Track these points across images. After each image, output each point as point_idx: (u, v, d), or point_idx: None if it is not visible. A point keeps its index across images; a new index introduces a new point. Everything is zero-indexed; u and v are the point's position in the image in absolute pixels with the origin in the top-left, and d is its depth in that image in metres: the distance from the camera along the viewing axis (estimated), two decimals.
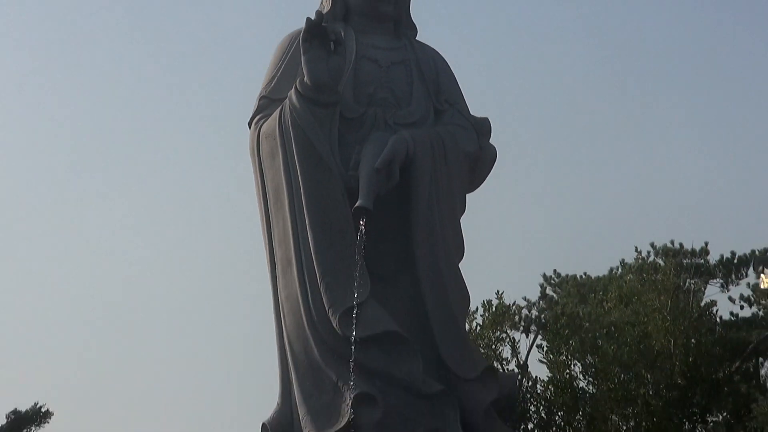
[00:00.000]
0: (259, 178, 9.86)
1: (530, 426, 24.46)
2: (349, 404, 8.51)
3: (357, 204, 8.45)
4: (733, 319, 28.28)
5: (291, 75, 9.37)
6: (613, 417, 23.67)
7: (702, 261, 27.71)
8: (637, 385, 23.12)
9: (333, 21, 9.61)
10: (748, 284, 28.24)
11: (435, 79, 10.12)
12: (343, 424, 8.50)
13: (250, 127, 9.96)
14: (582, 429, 23.88)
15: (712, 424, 25.37)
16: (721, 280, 28.50)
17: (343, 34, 9.42)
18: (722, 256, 28.26)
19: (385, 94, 9.68)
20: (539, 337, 25.73)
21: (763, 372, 26.11)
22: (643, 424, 23.31)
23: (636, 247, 28.60)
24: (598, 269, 30.92)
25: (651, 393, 23.81)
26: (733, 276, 28.26)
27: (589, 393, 23.85)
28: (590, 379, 23.72)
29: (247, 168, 10.53)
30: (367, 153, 8.81)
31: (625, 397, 22.74)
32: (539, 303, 28.40)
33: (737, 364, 25.13)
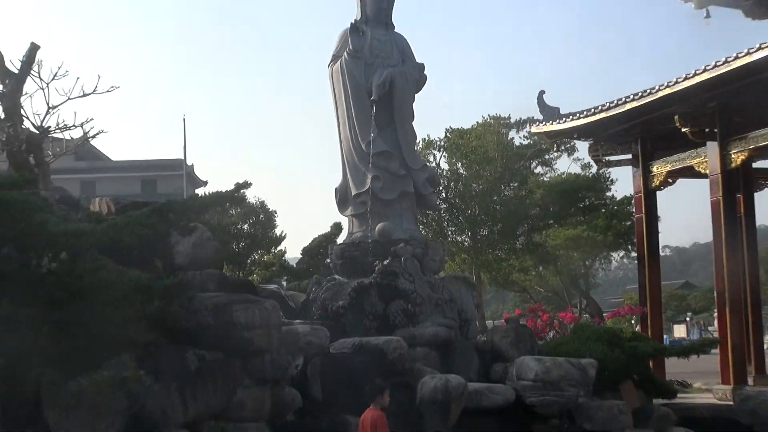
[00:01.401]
0: (333, 89, 16.90)
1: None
2: (369, 179, 15.86)
3: (372, 98, 16.03)
4: None
5: (345, 45, 16.57)
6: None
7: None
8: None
9: (361, 23, 16.81)
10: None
11: (401, 48, 16.95)
12: (366, 187, 15.93)
13: (329, 66, 17.00)
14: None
15: None
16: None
17: (365, 27, 16.63)
18: None
19: (382, 54, 16.69)
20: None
21: None
22: None
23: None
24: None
25: None
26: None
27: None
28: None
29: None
30: (376, 77, 16.03)
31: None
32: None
33: None
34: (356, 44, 16.63)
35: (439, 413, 12.13)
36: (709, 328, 55.38)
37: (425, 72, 17.32)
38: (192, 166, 51.00)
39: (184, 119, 69.20)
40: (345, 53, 16.73)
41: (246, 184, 12.40)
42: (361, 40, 16.75)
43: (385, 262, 15.37)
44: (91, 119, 18.43)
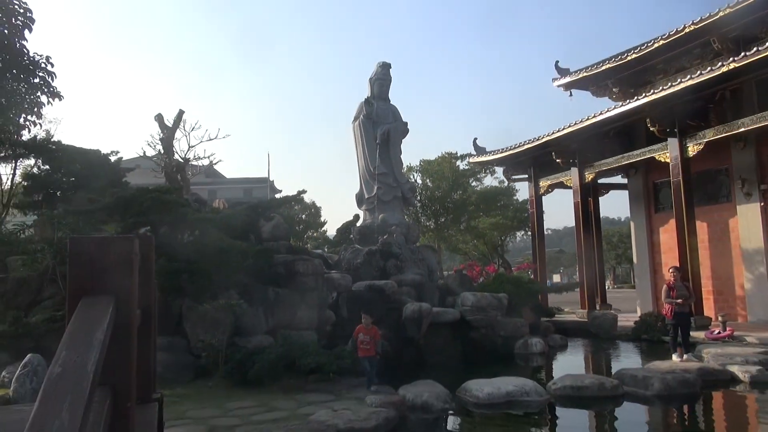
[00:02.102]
0: (354, 136, 16.63)
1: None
2: (375, 188, 15.65)
3: (377, 142, 16.03)
4: None
5: (361, 111, 16.31)
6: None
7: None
8: None
9: (371, 98, 16.44)
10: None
11: (394, 113, 16.58)
12: (373, 193, 15.75)
13: (352, 123, 16.74)
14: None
15: None
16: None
17: (373, 101, 16.32)
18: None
19: (383, 116, 16.37)
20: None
21: None
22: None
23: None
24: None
25: None
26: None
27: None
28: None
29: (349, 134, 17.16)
30: (380, 130, 15.96)
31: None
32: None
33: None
34: (369, 111, 16.52)
35: (416, 325, 12.01)
36: (573, 277, 55.04)
37: (408, 127, 17.06)
38: (273, 181, 50.90)
39: (268, 154, 69.27)
40: (362, 116, 16.64)
41: (303, 191, 12.36)
42: (371, 108, 16.60)
43: (384, 237, 15.26)
44: (214, 154, 18.34)
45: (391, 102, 17.25)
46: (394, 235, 15.40)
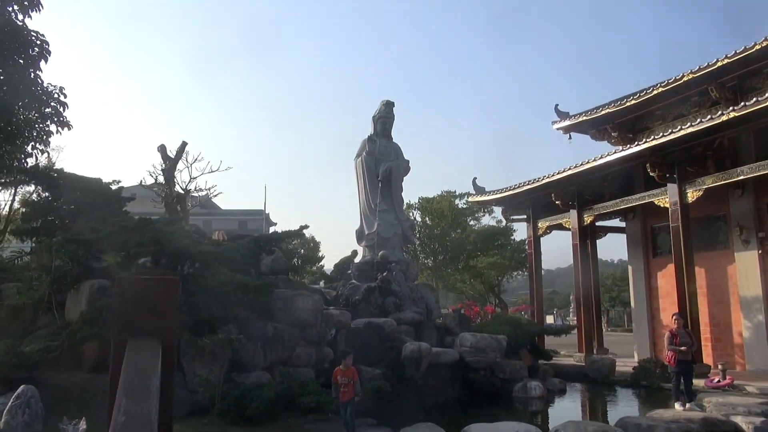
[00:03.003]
0: (357, 172, 16.68)
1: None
2: (376, 225, 15.91)
3: (379, 179, 16.25)
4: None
5: (364, 148, 16.53)
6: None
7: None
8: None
9: (374, 136, 16.66)
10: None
11: (396, 150, 16.70)
12: (374, 230, 15.62)
13: (355, 160, 16.83)
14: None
15: None
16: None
17: (376, 138, 16.55)
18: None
19: (386, 154, 16.48)
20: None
21: None
22: None
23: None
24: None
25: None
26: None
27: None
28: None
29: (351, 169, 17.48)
30: (382, 167, 16.01)
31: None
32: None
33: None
34: (371, 148, 16.69)
35: (415, 365, 11.86)
36: (567, 318, 54.66)
37: (410, 165, 17.20)
38: (268, 213, 50.72)
39: (265, 187, 69.39)
40: (364, 153, 16.80)
41: (305, 226, 12.29)
42: (374, 146, 16.78)
43: (384, 274, 15.22)
44: (215, 185, 18.40)
45: (393, 140, 17.40)
46: (394, 272, 15.34)
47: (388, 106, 17.29)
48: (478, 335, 13.31)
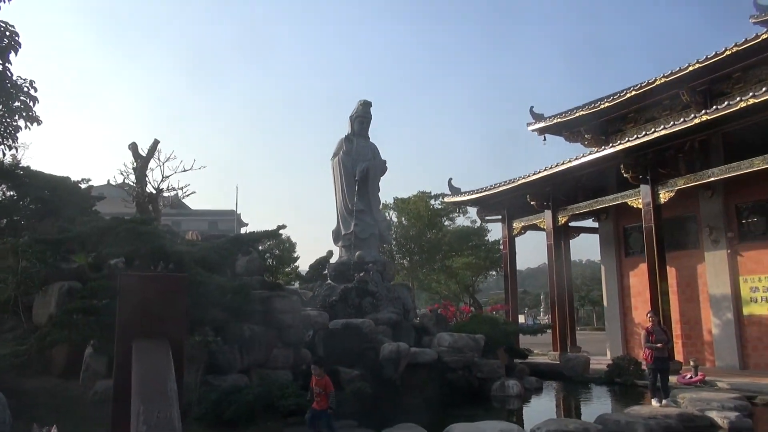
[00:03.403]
0: (333, 172, 16.29)
1: None
2: (353, 225, 15.98)
3: (356, 179, 15.93)
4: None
5: (341, 148, 16.21)
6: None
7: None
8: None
9: (351, 135, 16.36)
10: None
11: (373, 150, 16.46)
12: (351, 230, 15.50)
13: (331, 160, 16.43)
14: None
15: None
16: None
17: (353, 138, 16.22)
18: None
19: (363, 154, 16.20)
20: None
21: None
22: None
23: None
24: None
25: None
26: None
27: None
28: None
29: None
30: (359, 167, 15.75)
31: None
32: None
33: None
34: (348, 148, 16.50)
35: (393, 365, 11.80)
36: (537, 318, 55.29)
37: (387, 165, 17.04)
38: (240, 214, 49.94)
39: (237, 187, 68.64)
40: (341, 152, 16.59)
41: (282, 226, 12.11)
42: (351, 145, 16.59)
43: (361, 274, 15.10)
44: (188, 185, 18.06)
45: (370, 140, 17.28)
46: (371, 272, 15.24)
47: (366, 105, 17.15)
48: (455, 335, 13.30)
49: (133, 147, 16.89)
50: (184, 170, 17.62)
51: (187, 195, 18.83)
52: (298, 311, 11.50)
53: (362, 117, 17.06)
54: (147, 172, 16.79)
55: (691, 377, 13.08)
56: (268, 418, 8.19)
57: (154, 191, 17.19)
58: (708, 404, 9.73)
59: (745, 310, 15.72)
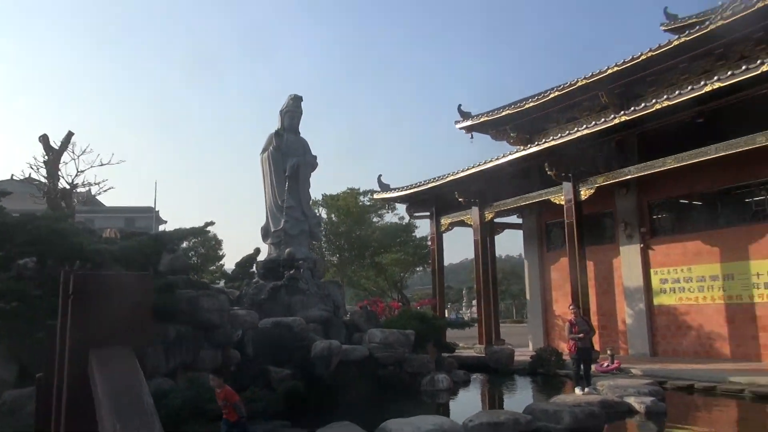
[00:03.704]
0: (263, 167, 15.95)
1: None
2: (282, 222, 15.46)
3: (286, 174, 16.54)
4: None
5: (271, 143, 15.85)
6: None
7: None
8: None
9: (281, 130, 15.99)
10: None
11: (304, 146, 16.20)
12: (280, 227, 15.29)
13: (261, 155, 16.06)
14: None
15: None
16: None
17: (283, 133, 15.88)
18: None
19: (293, 149, 15.93)
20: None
21: None
22: None
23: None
24: None
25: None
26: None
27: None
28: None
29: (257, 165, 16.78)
30: (289, 162, 15.54)
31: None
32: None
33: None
34: (279, 143, 16.15)
35: (325, 363, 11.70)
36: (460, 312, 56.55)
37: (317, 161, 16.86)
38: (158, 211, 47.61)
39: (155, 183, 65.95)
40: (271, 147, 16.22)
41: (210, 223, 11.72)
42: (281, 140, 16.23)
43: (291, 272, 14.87)
44: (106, 180, 17.17)
45: (300, 135, 17.04)
46: (301, 270, 15.05)
47: (296, 100, 16.86)
48: (386, 331, 13.37)
49: (44, 139, 15.78)
50: (101, 164, 16.64)
51: (105, 191, 17.84)
52: (227, 310, 11.18)
53: (292, 111, 16.77)
54: (59, 166, 15.74)
55: (608, 365, 13.82)
56: (198, 423, 7.89)
57: (67, 186, 16.15)
58: (625, 391, 10.30)
59: (656, 301, 16.79)
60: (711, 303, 15.42)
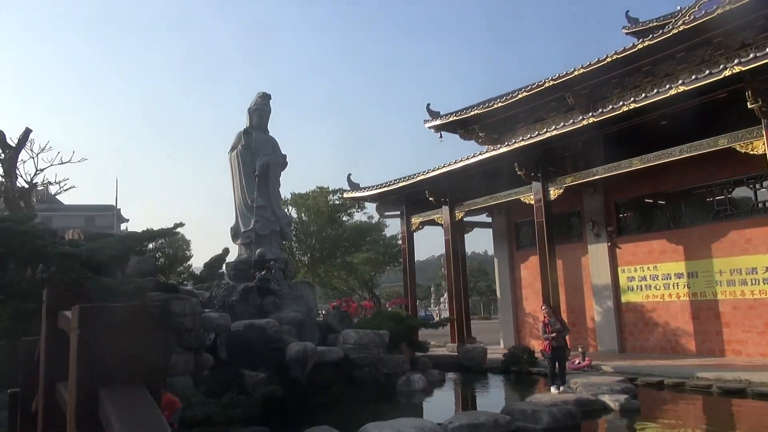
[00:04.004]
0: (231, 166, 15.60)
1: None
2: (252, 222, 14.87)
3: (255, 174, 16.06)
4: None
5: (239, 141, 15.57)
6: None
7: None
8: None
9: (250, 128, 15.73)
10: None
11: (273, 144, 15.92)
12: (250, 227, 14.82)
13: (229, 153, 15.75)
14: None
15: None
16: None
17: (252, 131, 15.64)
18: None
19: (262, 148, 15.65)
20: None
21: None
22: None
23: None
24: None
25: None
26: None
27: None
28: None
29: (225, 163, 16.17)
30: (259, 161, 15.22)
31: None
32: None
33: None
34: (247, 141, 15.85)
35: (300, 366, 11.50)
36: (429, 309, 56.72)
37: (287, 159, 16.56)
38: (119, 209, 46.08)
39: (117, 180, 64.21)
40: (240, 146, 15.91)
41: (181, 224, 11.36)
42: (250, 139, 15.94)
43: (262, 273, 14.58)
44: (67, 179, 16.49)
45: (269, 133, 16.73)
46: (273, 270, 14.77)
47: (265, 98, 16.57)
48: (361, 332, 13.23)
49: (0, 137, 15.08)
50: (62, 162, 16.00)
51: (65, 190, 17.18)
52: (199, 314, 10.86)
53: (261, 110, 16.47)
54: (17, 164, 15.06)
55: (579, 363, 13.97)
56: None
57: (26, 185, 15.47)
58: (599, 389, 10.41)
59: (623, 298, 17.08)
60: (676, 300, 15.76)
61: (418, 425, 8.00)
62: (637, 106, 12.63)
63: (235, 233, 15.98)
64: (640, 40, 15.95)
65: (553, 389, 10.52)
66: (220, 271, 19.54)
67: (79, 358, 1.20)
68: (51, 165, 16.10)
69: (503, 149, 16.08)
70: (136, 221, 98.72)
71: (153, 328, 1.25)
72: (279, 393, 9.52)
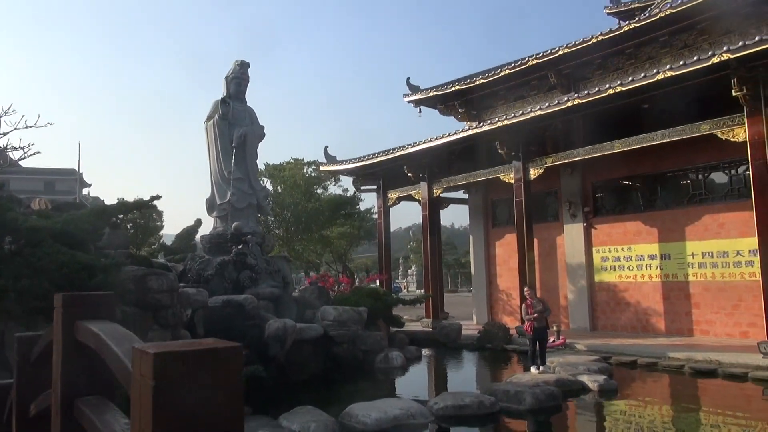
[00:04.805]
0: (207, 137, 15.20)
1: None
2: (229, 194, 14.77)
3: (233, 145, 14.91)
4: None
5: (216, 111, 15.05)
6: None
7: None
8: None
9: (227, 98, 15.18)
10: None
11: (251, 115, 15.46)
12: (227, 199, 14.49)
13: (205, 123, 15.25)
14: None
15: None
16: None
17: (229, 101, 15.09)
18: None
19: (240, 118, 15.17)
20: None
21: None
22: None
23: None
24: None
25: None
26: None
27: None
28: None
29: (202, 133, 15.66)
30: (236, 132, 14.76)
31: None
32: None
33: None
34: (224, 111, 15.26)
35: (280, 343, 11.34)
36: (396, 281, 56.77)
37: (264, 131, 16.08)
38: (82, 173, 44.40)
39: (79, 144, 62.15)
40: (216, 116, 15.35)
41: (157, 197, 10.93)
42: (227, 108, 15.35)
43: (239, 247, 14.22)
44: (33, 144, 15.70)
45: (247, 103, 16.18)
46: (250, 244, 14.44)
47: (243, 66, 15.96)
48: (339, 308, 13.12)
49: None
50: (26, 126, 15.16)
51: (30, 155, 16.33)
52: (176, 290, 10.57)
53: (239, 78, 15.87)
54: None
55: (554, 341, 14.15)
56: None
57: None
58: (577, 369, 10.55)
59: (597, 278, 17.35)
60: (648, 281, 16.06)
61: (405, 406, 7.97)
62: (623, 89, 12.59)
63: (211, 205, 15.55)
64: (627, 22, 15.88)
65: (533, 369, 10.62)
66: (192, 243, 19.16)
67: (156, 416, 0.99)
68: (15, 129, 15.22)
69: (486, 127, 15.94)
70: (98, 186, 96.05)
71: (236, 372, 1.04)
72: (261, 373, 9.36)
